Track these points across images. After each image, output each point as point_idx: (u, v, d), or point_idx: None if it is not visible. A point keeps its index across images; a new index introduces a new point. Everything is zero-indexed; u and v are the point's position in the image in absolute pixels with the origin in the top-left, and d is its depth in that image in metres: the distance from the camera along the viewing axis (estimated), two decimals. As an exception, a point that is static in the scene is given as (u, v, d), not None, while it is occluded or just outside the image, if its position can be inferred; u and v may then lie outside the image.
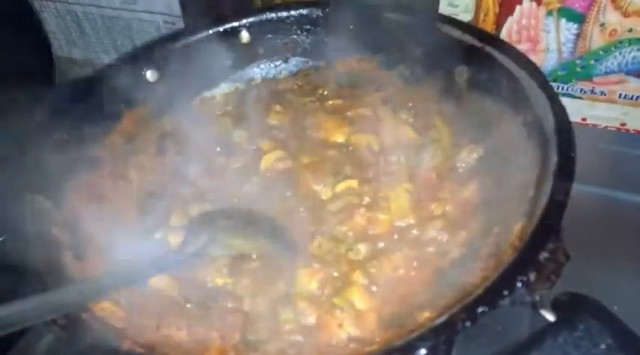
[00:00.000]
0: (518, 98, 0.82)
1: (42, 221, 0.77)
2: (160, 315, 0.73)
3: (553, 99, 0.77)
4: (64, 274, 0.72)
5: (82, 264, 0.76)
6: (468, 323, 0.58)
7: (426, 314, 0.70)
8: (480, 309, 0.58)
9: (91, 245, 0.79)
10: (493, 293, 0.59)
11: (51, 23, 1.44)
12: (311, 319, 0.74)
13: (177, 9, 1.31)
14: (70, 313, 0.62)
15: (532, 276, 0.60)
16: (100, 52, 1.46)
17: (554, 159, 0.70)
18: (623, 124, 1.13)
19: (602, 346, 0.53)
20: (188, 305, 0.77)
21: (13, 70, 1.21)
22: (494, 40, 0.88)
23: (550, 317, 0.60)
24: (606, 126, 1.14)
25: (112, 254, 0.79)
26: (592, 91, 1.11)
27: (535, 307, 0.61)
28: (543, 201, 0.67)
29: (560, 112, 0.75)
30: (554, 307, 0.58)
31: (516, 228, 0.71)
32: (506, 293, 0.59)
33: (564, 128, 0.73)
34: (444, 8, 1.10)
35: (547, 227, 0.63)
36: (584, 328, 0.53)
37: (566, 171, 0.68)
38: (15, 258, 0.68)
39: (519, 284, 0.60)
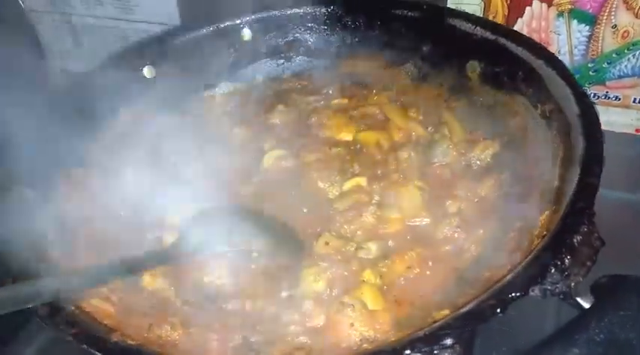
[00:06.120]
0: (535, 88, 0.79)
1: (29, 214, 0.71)
2: (152, 315, 0.67)
3: (573, 84, 0.73)
4: (52, 268, 0.66)
5: (72, 259, 0.71)
6: (498, 310, 0.52)
7: (445, 313, 0.64)
8: (511, 295, 0.52)
9: (80, 241, 0.74)
10: (525, 278, 0.54)
11: (46, 34, 1.41)
12: (318, 320, 0.68)
13: (176, 18, 1.28)
14: (54, 303, 0.56)
15: (567, 261, 0.55)
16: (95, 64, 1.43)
17: (580, 143, 0.66)
18: (638, 130, 1.09)
19: (650, 324, 0.48)
20: (185, 307, 0.71)
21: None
22: (508, 32, 0.85)
23: (585, 304, 0.54)
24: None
25: (103, 250, 0.74)
26: (606, 96, 1.08)
27: (568, 296, 0.55)
28: (571, 186, 0.63)
29: (582, 96, 0.71)
30: (593, 291, 0.53)
31: (541, 218, 0.66)
32: (539, 279, 0.54)
33: (588, 111, 0.69)
34: (451, 9, 1.07)
35: (579, 209, 0.59)
36: (629, 307, 0.48)
37: (594, 153, 0.64)
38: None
39: (553, 269, 0.54)
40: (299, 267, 0.74)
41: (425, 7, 0.93)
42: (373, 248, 0.75)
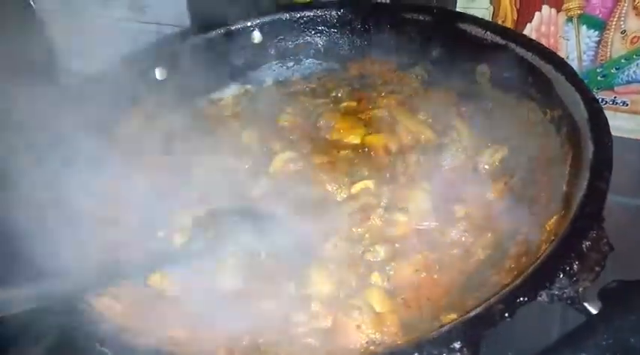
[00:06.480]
0: (545, 93, 0.79)
1: (40, 215, 0.72)
2: (161, 315, 0.68)
3: (583, 89, 0.74)
4: (62, 268, 0.66)
5: (82, 259, 0.70)
6: (506, 315, 0.52)
7: (453, 316, 0.64)
8: (519, 299, 0.53)
9: (91, 241, 0.74)
10: (533, 282, 0.54)
11: (57, 35, 1.42)
12: (326, 322, 0.68)
13: (186, 20, 1.29)
14: (66, 301, 0.57)
15: (575, 266, 0.55)
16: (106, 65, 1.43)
17: (589, 148, 0.67)
18: (646, 136, 1.09)
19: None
20: (192, 307, 0.71)
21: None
22: (517, 36, 0.85)
23: (593, 309, 0.54)
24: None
25: (113, 250, 0.74)
26: (613, 101, 1.08)
27: (576, 301, 0.55)
28: (580, 192, 0.63)
29: (591, 101, 0.72)
30: (601, 297, 0.53)
31: (550, 223, 0.66)
32: (547, 284, 0.54)
33: (597, 116, 0.70)
34: (459, 14, 1.07)
35: (588, 214, 0.59)
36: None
37: (603, 157, 0.64)
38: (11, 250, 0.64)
39: (561, 275, 0.54)
40: (307, 269, 0.74)
41: (435, 11, 0.94)
42: (381, 251, 0.76)
